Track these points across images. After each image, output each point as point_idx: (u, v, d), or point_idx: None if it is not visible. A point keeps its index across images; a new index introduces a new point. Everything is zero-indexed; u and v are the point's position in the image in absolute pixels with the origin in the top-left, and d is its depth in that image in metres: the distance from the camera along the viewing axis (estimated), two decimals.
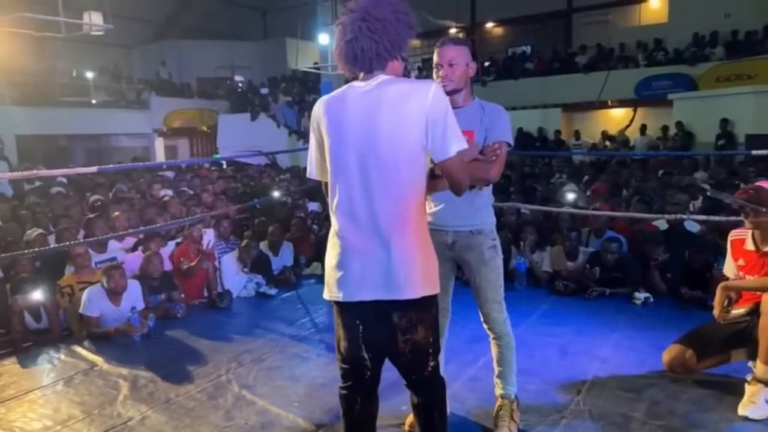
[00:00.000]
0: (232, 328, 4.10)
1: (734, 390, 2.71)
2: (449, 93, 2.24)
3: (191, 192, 7.97)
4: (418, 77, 19.73)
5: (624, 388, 2.87)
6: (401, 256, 1.72)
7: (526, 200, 6.22)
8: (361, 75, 1.79)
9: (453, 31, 20.12)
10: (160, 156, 17.57)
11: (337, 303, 1.83)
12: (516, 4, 17.80)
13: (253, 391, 3.02)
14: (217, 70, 18.85)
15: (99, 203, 6.15)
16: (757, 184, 1.70)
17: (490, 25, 19.46)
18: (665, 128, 12.72)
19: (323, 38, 11.48)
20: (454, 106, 2.28)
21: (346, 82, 1.85)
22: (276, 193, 7.51)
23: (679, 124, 12.29)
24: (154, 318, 3.91)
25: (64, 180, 9.04)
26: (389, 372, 1.98)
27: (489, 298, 2.31)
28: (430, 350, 1.85)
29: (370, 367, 1.86)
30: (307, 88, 17.14)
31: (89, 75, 16.18)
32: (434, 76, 2.28)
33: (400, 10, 1.73)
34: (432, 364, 1.87)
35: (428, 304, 1.80)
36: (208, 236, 4.89)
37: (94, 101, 15.82)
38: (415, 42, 22.14)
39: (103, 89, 16.66)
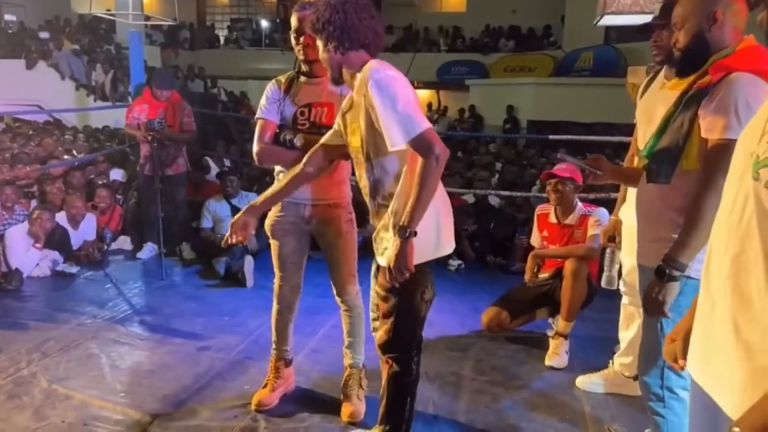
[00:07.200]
0: (27, 314, 3.52)
1: (539, 344, 3.15)
2: (310, 62, 2.16)
3: None
4: (227, 38, 18.77)
5: (451, 348, 3.14)
6: None
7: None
8: None
9: None
10: None
11: None
12: None
13: (67, 384, 2.64)
14: None
15: None
16: (594, 155, 1.94)
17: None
18: (462, 111, 14.00)
19: None
20: (313, 76, 2.22)
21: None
22: (66, 157, 6.56)
23: (471, 107, 13.62)
24: None
25: None
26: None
27: (344, 272, 2.31)
28: None
29: None
30: (98, 36, 15.12)
31: None
32: (293, 43, 2.15)
33: None
34: None
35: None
36: None
37: None
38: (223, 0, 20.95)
39: None
